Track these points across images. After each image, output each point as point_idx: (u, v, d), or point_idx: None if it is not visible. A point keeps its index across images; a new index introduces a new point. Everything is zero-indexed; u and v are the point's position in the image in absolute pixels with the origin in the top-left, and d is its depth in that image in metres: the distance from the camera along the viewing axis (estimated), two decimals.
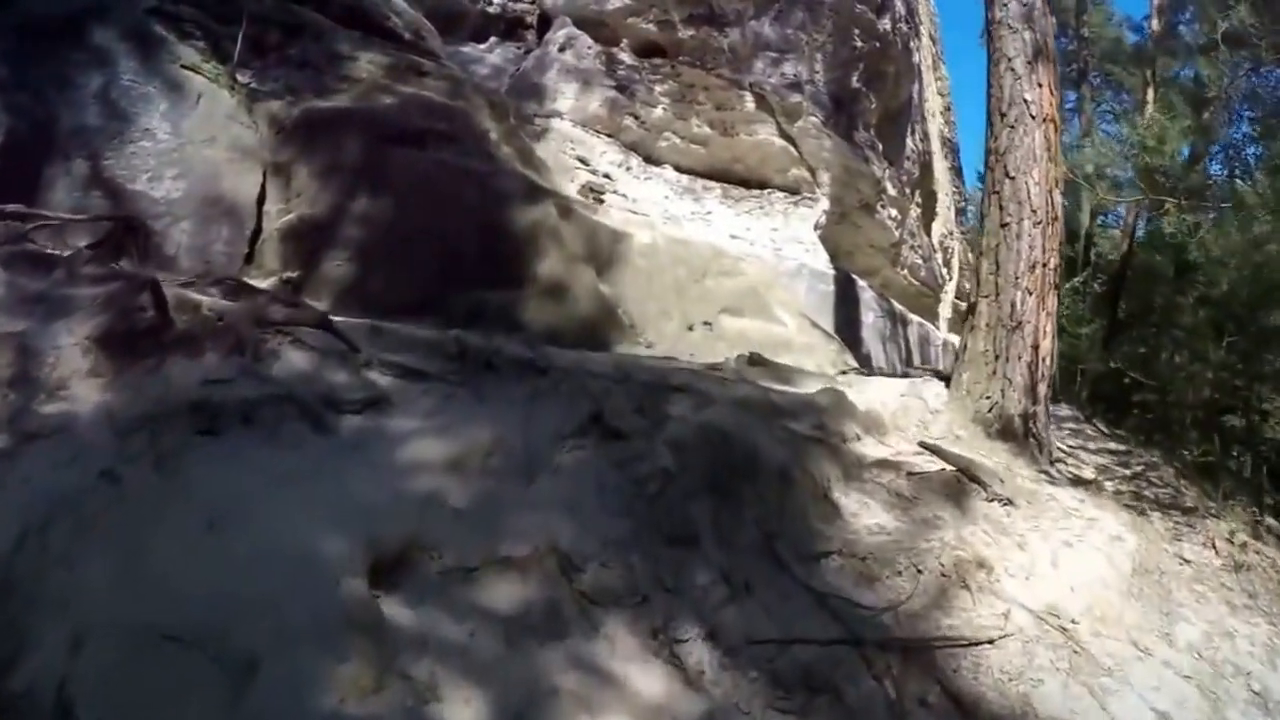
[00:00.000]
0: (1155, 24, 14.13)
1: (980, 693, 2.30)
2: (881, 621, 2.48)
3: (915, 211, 12.11)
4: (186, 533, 1.98)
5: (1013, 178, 4.37)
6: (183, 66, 4.67)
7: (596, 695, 1.94)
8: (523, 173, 5.79)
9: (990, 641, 2.49)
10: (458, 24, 9.01)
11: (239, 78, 5.01)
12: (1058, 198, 4.48)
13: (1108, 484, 4.20)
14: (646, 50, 9.11)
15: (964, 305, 9.27)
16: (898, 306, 10.95)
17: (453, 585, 2.10)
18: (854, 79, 9.80)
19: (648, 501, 2.64)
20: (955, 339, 10.17)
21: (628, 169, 8.74)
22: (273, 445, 2.47)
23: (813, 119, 9.11)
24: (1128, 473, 4.59)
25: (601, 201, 7.72)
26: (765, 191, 9.35)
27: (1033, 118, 4.39)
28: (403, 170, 5.05)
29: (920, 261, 11.97)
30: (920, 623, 2.53)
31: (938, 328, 12.51)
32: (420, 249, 4.87)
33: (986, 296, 4.39)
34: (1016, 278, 4.26)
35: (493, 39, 9.49)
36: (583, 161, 8.34)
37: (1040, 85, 4.46)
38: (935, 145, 13.78)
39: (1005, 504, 3.34)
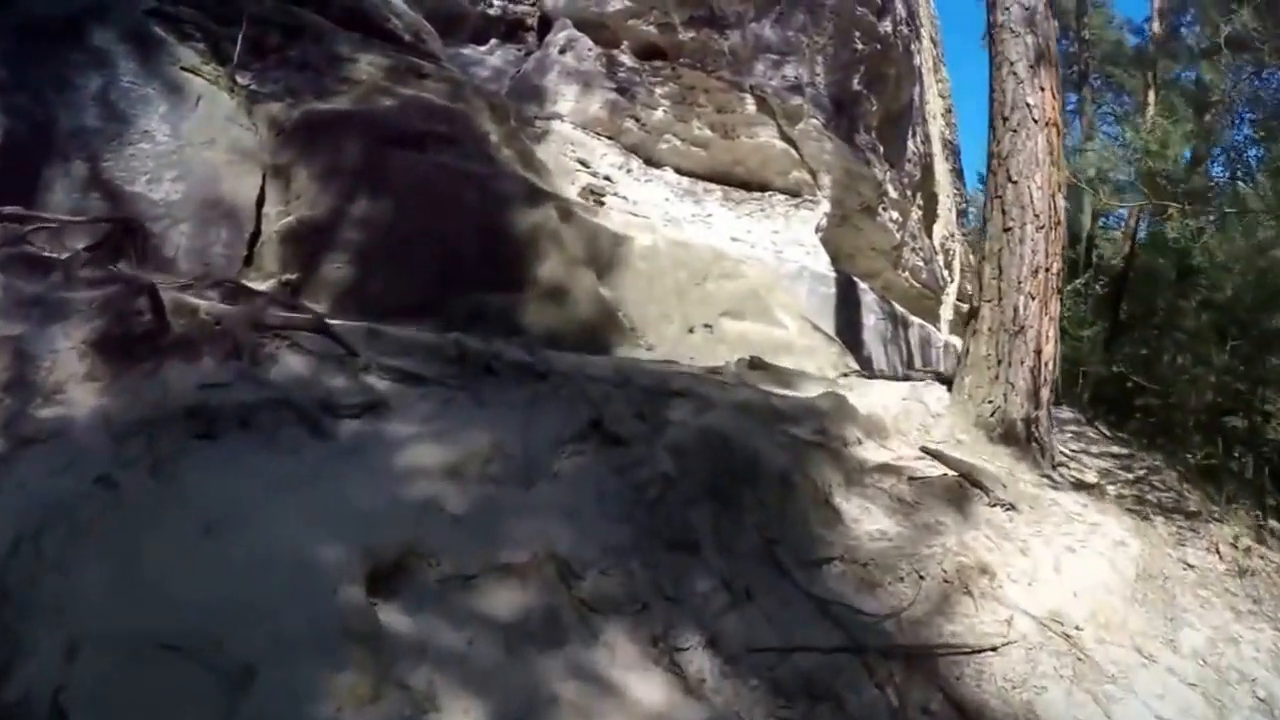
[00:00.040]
0: (1156, 27, 14.16)
1: (983, 700, 2.28)
2: (884, 628, 2.46)
3: (916, 214, 12.08)
4: (183, 539, 1.97)
5: (1015, 182, 4.35)
6: (182, 68, 4.65)
7: (596, 704, 1.92)
8: (523, 175, 5.77)
9: (993, 648, 2.47)
10: (458, 26, 8.99)
11: (239, 79, 4.99)
12: (1060, 202, 4.47)
13: (1110, 488, 4.18)
14: (647, 52, 9.09)
15: (965, 307, 9.27)
16: (899, 309, 10.92)
17: (451, 593, 2.08)
18: (855, 81, 9.79)
19: (648, 507, 2.63)
20: (957, 341, 10.17)
21: (628, 171, 8.72)
22: (270, 450, 2.46)
23: (814, 121, 9.09)
24: (1130, 477, 4.57)
25: (602, 204, 7.70)
26: (766, 194, 9.33)
27: (1035, 122, 4.38)
28: (403, 172, 5.04)
29: (921, 264, 11.94)
30: (923, 629, 2.51)
31: (939, 330, 12.49)
32: (420, 251, 4.85)
33: (989, 301, 4.38)
34: (1019, 282, 4.25)
35: (493, 41, 9.47)
36: (583, 164, 8.31)
37: (1043, 89, 4.45)
38: (936, 147, 13.75)
39: (1008, 509, 3.32)
